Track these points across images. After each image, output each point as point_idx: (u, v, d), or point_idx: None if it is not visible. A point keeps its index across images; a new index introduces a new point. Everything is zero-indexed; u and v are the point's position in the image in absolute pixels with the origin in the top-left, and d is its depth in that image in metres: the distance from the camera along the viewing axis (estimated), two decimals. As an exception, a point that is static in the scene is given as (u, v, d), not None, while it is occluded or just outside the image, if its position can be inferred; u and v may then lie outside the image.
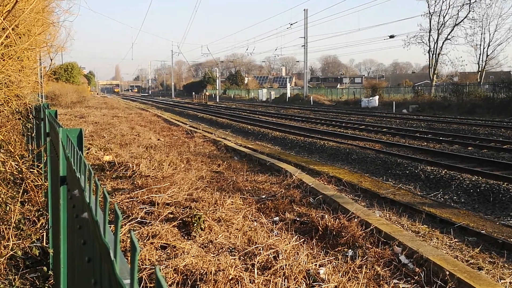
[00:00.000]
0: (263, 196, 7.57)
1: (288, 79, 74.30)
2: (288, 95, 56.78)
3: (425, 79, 60.80)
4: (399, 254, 5.11)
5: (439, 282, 4.44)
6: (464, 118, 26.37)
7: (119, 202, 6.16)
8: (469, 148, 14.23)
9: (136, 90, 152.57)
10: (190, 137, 16.58)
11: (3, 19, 2.67)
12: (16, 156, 3.78)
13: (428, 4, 43.81)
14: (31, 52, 5.55)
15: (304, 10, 53.76)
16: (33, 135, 5.14)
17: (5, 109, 5.45)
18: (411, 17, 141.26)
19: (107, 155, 10.11)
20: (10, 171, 3.60)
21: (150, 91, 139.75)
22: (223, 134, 18.96)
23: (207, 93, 68.98)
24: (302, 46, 55.24)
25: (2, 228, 3.18)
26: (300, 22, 55.02)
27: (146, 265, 4.03)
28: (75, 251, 1.27)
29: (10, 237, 3.10)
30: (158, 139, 15.08)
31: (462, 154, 12.58)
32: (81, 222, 1.11)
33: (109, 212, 0.90)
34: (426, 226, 6.69)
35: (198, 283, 3.70)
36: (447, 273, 4.54)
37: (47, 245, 3.83)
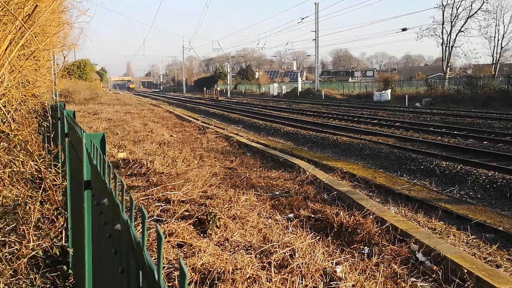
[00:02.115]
0: (277, 193, 7.57)
1: (299, 73, 74.12)
2: (299, 89, 56.61)
3: (438, 72, 60.14)
4: (416, 252, 5.07)
5: (457, 280, 4.41)
6: (479, 111, 26.05)
7: (135, 200, 6.20)
8: (485, 142, 14.06)
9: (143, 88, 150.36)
10: (202, 133, 16.63)
11: (24, 22, 2.69)
12: (35, 156, 3.83)
13: (441, -4, 43.30)
14: (46, 52, 5.59)
15: (315, 4, 53.47)
16: (51, 135, 5.19)
17: (22, 109, 5.50)
18: (424, 9, 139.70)
19: (121, 152, 10.19)
20: (30, 171, 3.64)
21: (161, 87, 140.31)
22: (235, 130, 18.97)
23: (218, 88, 69.02)
24: (313, 40, 54.97)
25: (23, 228, 3.22)
26: (311, 16, 54.75)
27: (164, 264, 4.05)
28: (103, 259, 1.28)
29: (31, 237, 3.14)
30: (171, 135, 15.14)
31: (478, 149, 12.44)
32: (110, 231, 1.12)
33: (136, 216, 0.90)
34: (442, 222, 6.63)
35: (216, 282, 3.72)
36: (465, 271, 4.50)
37: (66, 244, 3.87)
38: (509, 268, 5.06)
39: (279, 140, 16.35)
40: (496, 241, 5.89)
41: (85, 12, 4.07)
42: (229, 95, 64.61)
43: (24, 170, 3.54)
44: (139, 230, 4.90)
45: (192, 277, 3.78)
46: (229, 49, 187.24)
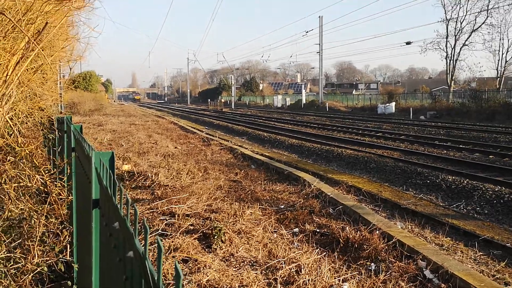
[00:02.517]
0: (282, 206, 7.52)
1: (303, 85, 74.24)
2: (304, 101, 56.69)
3: (442, 85, 60.13)
4: (424, 269, 5.01)
5: (466, 298, 4.33)
6: (484, 124, 25.96)
7: (140, 214, 6.17)
8: (491, 156, 13.98)
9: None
10: (206, 144, 16.62)
11: (34, 39, 2.70)
12: (41, 170, 3.81)
13: (445, 10, 43.57)
14: (53, 65, 5.61)
15: (319, 17, 53.78)
16: (56, 148, 5.19)
17: (29, 121, 5.51)
18: (428, 23, 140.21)
19: (126, 164, 10.18)
20: (36, 186, 3.63)
21: (166, 98, 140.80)
22: (240, 142, 18.96)
23: (222, 100, 69.25)
24: (317, 52, 55.16)
25: (28, 243, 3.20)
26: (315, 29, 54.91)
27: (169, 280, 4.01)
28: (112, 280, 1.25)
29: (36, 252, 3.11)
30: (175, 147, 15.14)
31: (484, 163, 12.36)
32: (121, 256, 1.09)
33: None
34: (449, 238, 6.56)
35: (222, 299, 3.67)
36: (474, 289, 4.43)
37: (71, 258, 3.84)
38: (518, 286, 4.98)
39: (284, 152, 16.32)
40: (504, 258, 5.81)
41: (93, 28, 4.09)
42: (233, 107, 64.76)
43: (30, 184, 3.53)
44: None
45: (197, 294, 3.73)
46: (234, 61, 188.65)
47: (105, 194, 1.44)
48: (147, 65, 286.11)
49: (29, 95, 4.90)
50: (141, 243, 1.00)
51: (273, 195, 8.28)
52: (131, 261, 0.97)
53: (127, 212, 1.00)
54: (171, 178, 8.78)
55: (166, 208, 6.34)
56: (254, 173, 10.71)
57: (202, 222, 5.81)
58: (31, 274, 3.07)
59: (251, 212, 6.59)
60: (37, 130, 5.56)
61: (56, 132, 5.42)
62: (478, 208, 8.43)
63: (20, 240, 3.26)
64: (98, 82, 54.59)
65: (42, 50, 4.68)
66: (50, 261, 3.25)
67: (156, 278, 0.77)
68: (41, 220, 3.61)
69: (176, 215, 6.00)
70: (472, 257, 5.89)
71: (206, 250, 5.01)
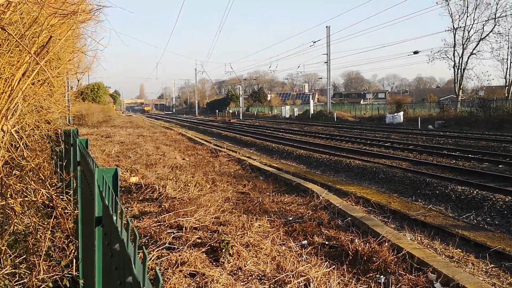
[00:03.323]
0: (290, 218, 7.46)
1: (311, 96, 74.33)
2: (311, 111, 56.68)
3: (450, 94, 59.89)
4: (434, 282, 4.92)
5: (478, 313, 4.24)
6: (493, 134, 25.74)
7: (147, 227, 6.14)
8: (500, 166, 13.82)
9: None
10: (214, 156, 16.61)
11: (37, 55, 2.71)
12: (47, 184, 3.81)
13: (452, 20, 43.51)
14: (60, 78, 5.64)
15: (327, 27, 53.92)
16: (63, 162, 5.19)
17: (35, 134, 5.53)
18: (435, 33, 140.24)
19: (134, 176, 10.18)
20: (41, 200, 3.62)
21: (174, 109, 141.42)
22: (248, 153, 18.94)
23: (230, 111, 69.41)
24: (325, 62, 55.23)
25: (33, 258, 3.17)
26: (323, 39, 54.99)
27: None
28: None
29: (42, 267, 3.09)
30: (183, 159, 15.14)
31: (493, 173, 12.21)
32: (122, 278, 1.06)
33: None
34: (460, 250, 6.45)
35: (228, 315, 3.62)
36: (487, 303, 4.34)
37: (77, 274, 3.81)
38: (532, 299, 4.87)
39: (292, 163, 16.25)
40: (516, 271, 5.69)
41: (99, 42, 4.12)
42: (241, 118, 64.89)
43: (36, 198, 3.52)
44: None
45: (204, 309, 3.68)
46: (241, 71, 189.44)
47: (106, 213, 1.42)
48: (155, 76, 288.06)
49: (36, 108, 4.92)
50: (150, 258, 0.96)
51: (281, 207, 8.22)
52: (130, 286, 0.94)
53: (127, 234, 0.97)
54: (179, 190, 8.76)
55: (173, 221, 6.31)
56: (262, 185, 10.66)
57: (210, 235, 5.77)
58: (36, 290, 3.05)
59: (259, 225, 6.54)
60: (44, 143, 5.57)
61: (63, 145, 5.43)
62: (488, 219, 8.31)
63: (25, 255, 3.25)
64: (106, 94, 55.01)
65: (49, 63, 4.70)
66: (55, 276, 3.23)
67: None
68: (46, 234, 3.59)
69: (184, 228, 5.96)
70: (484, 269, 5.78)
71: (214, 263, 4.96)
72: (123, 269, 1.02)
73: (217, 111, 75.76)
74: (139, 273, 0.83)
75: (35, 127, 5.34)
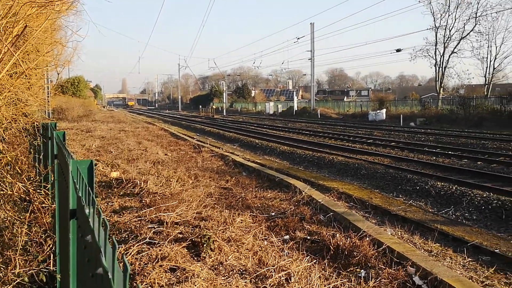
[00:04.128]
0: (273, 214, 7.47)
1: (294, 92, 74.41)
2: (295, 108, 56.80)
3: (432, 92, 60.62)
4: (413, 275, 4.98)
5: (456, 306, 4.30)
6: (472, 131, 26.17)
7: (128, 222, 6.07)
8: (479, 162, 14.06)
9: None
10: (197, 151, 16.53)
11: (12, 45, 2.63)
12: (24, 177, 3.73)
13: (434, 18, 43.96)
14: (38, 70, 5.53)
15: (311, 24, 54.05)
16: (40, 155, 5.10)
17: (13, 127, 5.42)
18: (417, 31, 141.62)
19: (114, 171, 10.06)
20: (18, 194, 3.54)
21: (156, 104, 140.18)
22: (231, 149, 18.90)
23: (213, 106, 69.15)
24: (309, 59, 55.39)
25: (9, 253, 3.11)
26: (307, 36, 55.15)
27: (155, 289, 3.93)
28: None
29: (18, 262, 3.03)
30: (166, 154, 15.03)
31: (472, 169, 12.42)
32: (93, 270, 1.04)
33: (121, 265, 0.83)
34: (438, 244, 6.55)
35: (208, 309, 3.60)
36: (464, 296, 4.41)
37: (54, 268, 3.75)
38: (508, 293, 4.97)
39: (275, 159, 16.28)
40: (492, 264, 5.80)
41: (76, 32, 4.02)
42: (225, 113, 64.70)
43: (12, 192, 3.44)
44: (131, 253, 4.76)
45: (184, 304, 3.66)
46: (225, 67, 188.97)
47: (79, 205, 1.38)
48: (137, 70, 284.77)
49: (13, 101, 4.81)
50: (127, 254, 0.94)
51: (264, 202, 8.22)
52: (101, 278, 0.91)
53: (98, 225, 0.95)
54: (161, 186, 8.69)
55: (154, 216, 6.25)
56: (245, 180, 10.65)
57: (191, 230, 5.74)
58: (12, 285, 2.98)
59: (241, 220, 6.53)
60: (22, 137, 5.46)
61: (40, 139, 5.33)
62: (466, 214, 8.45)
63: (1, 250, 3.18)
64: (86, 88, 54.27)
65: (27, 55, 4.60)
66: (31, 271, 3.17)
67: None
68: (23, 229, 3.52)
69: (165, 223, 5.92)
70: (461, 263, 5.88)
71: (195, 258, 4.94)
72: (95, 260, 1.00)
73: (200, 106, 75.41)
74: (108, 262, 0.81)
75: (12, 120, 5.23)
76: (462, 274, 5.36)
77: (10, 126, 4.86)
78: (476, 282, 5.07)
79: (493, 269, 5.63)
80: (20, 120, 5.05)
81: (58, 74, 8.91)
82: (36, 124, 5.55)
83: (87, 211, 1.15)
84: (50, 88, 9.36)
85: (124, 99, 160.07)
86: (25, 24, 2.64)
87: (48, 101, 8.62)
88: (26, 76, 4.61)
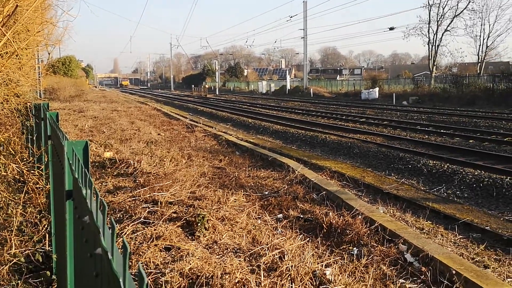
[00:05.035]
0: (266, 193, 7.52)
1: (287, 71, 74.10)
2: (288, 87, 56.62)
3: (425, 70, 60.61)
4: (405, 253, 5.06)
5: (445, 282, 4.40)
6: (464, 110, 26.30)
7: (122, 202, 6.10)
8: (471, 141, 14.17)
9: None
10: (190, 131, 16.51)
11: (2, 26, 2.59)
12: (17, 158, 3.72)
13: (428, -5, 43.58)
14: (29, 50, 5.45)
15: (304, 2, 53.45)
16: (33, 136, 5.07)
17: (5, 108, 5.37)
18: (411, 9, 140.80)
19: (108, 151, 10.04)
20: (11, 175, 3.53)
21: (149, 84, 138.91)
22: (224, 128, 18.89)
23: (206, 86, 68.70)
24: (302, 38, 54.97)
25: (5, 233, 3.12)
26: (299, 14, 54.63)
27: (151, 268, 3.97)
28: (85, 277, 1.21)
29: (13, 243, 3.04)
30: (159, 134, 15.00)
31: (464, 148, 12.53)
32: (91, 250, 1.05)
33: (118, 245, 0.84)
34: (430, 222, 6.65)
35: (204, 287, 3.65)
36: (454, 272, 4.50)
37: (50, 248, 3.77)
38: (496, 268, 5.08)
39: (268, 138, 16.30)
40: (483, 241, 5.91)
41: (67, 12, 3.96)
42: (217, 93, 64.38)
43: (6, 173, 3.44)
44: (126, 233, 4.80)
45: (179, 282, 3.71)
46: (218, 46, 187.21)
47: (76, 186, 1.39)
48: (128, 50, 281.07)
49: (4, 81, 4.76)
50: (122, 234, 0.95)
51: (257, 182, 8.27)
52: (100, 258, 0.93)
53: (96, 206, 0.96)
54: (154, 165, 8.70)
55: (148, 195, 6.28)
56: (238, 160, 10.68)
57: (186, 209, 5.77)
58: (8, 265, 3.01)
59: (235, 199, 6.57)
60: (14, 117, 5.42)
61: (33, 119, 5.29)
62: (458, 192, 8.56)
63: (-4, 231, 3.19)
64: (78, 68, 53.65)
65: (17, 35, 4.53)
66: (27, 251, 3.19)
67: (121, 281, 0.73)
68: (18, 209, 3.53)
69: (159, 203, 5.95)
70: (452, 240, 5.98)
71: (189, 237, 4.98)
72: (93, 241, 1.02)
73: (193, 86, 74.87)
74: (107, 243, 0.82)
75: (4, 101, 5.19)
76: (453, 251, 5.46)
77: (2, 107, 4.82)
78: (466, 259, 5.17)
79: (483, 246, 5.73)
80: (12, 101, 5.00)
81: (49, 54, 8.81)
82: (28, 105, 5.51)
83: (84, 192, 1.16)
84: (41, 68, 9.25)
85: (116, 79, 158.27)
86: (16, 4, 2.59)
87: (40, 81, 8.52)
88: (17, 56, 4.55)
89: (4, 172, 3.43)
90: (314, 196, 7.43)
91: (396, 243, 5.30)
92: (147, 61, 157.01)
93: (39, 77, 8.43)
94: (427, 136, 15.44)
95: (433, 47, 44.42)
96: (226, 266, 3.97)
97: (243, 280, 3.77)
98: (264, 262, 4.27)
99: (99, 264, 0.96)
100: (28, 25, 4.76)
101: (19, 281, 3.28)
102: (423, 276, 4.56)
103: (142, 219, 5.27)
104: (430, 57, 45.16)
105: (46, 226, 3.95)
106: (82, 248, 1.30)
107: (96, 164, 8.96)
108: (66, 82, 34.53)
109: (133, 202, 6.05)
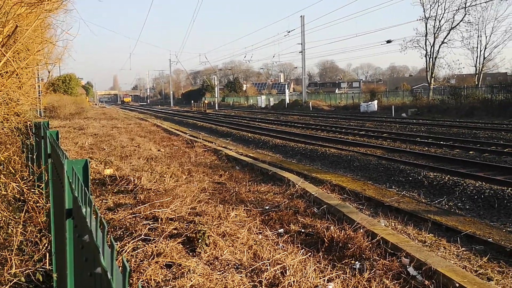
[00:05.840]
0: (267, 207, 7.50)
1: (286, 85, 74.43)
2: (287, 101, 56.81)
3: (423, 82, 60.87)
4: (407, 266, 5.03)
5: (449, 294, 4.36)
6: (463, 121, 26.35)
7: (122, 219, 6.08)
8: (471, 152, 14.17)
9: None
10: (190, 146, 16.52)
11: (2, 46, 2.61)
12: (18, 177, 3.72)
13: (424, 9, 44.16)
14: (29, 69, 5.49)
15: (301, 17, 53.95)
16: (33, 154, 5.08)
17: (5, 127, 5.39)
18: (407, 22, 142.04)
19: (108, 168, 10.03)
20: (12, 193, 3.53)
21: (148, 100, 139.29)
22: (224, 143, 18.90)
23: (206, 101, 68.86)
24: (300, 52, 55.34)
25: (5, 253, 3.11)
26: (297, 29, 55.12)
27: (152, 286, 3.94)
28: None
29: (14, 263, 3.03)
30: (159, 150, 15.01)
31: (464, 159, 12.52)
32: (92, 269, 1.05)
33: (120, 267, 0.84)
34: (432, 235, 6.62)
35: (205, 304, 3.63)
36: (457, 285, 4.47)
37: (50, 267, 3.75)
38: (500, 281, 5.04)
39: (268, 152, 16.30)
40: (486, 253, 5.88)
41: (67, 31, 4.00)
42: (217, 108, 64.56)
43: (6, 192, 3.43)
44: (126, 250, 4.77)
45: (181, 299, 3.68)
46: (216, 62, 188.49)
47: (76, 205, 1.39)
48: (128, 67, 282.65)
49: (4, 100, 4.78)
50: (122, 251, 0.95)
51: (258, 196, 8.25)
52: (100, 277, 0.93)
53: (96, 224, 0.96)
54: (154, 182, 8.69)
55: (149, 212, 6.26)
56: (238, 174, 10.67)
57: (186, 225, 5.75)
58: (9, 285, 2.99)
59: (235, 214, 6.55)
60: (14, 136, 5.43)
61: (33, 138, 5.30)
62: (459, 204, 8.53)
63: (-4, 250, 3.18)
64: (78, 85, 53.86)
65: (17, 54, 4.57)
66: (28, 271, 3.17)
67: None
68: (18, 228, 3.52)
69: (160, 219, 5.93)
70: (455, 253, 5.95)
71: (190, 254, 4.96)
72: (93, 260, 1.01)
73: (192, 101, 75.10)
74: (107, 262, 0.82)
75: (4, 120, 5.20)
76: (456, 263, 5.42)
77: (2, 126, 4.83)
78: (470, 272, 5.13)
79: (486, 258, 5.69)
80: (12, 120, 5.02)
81: (49, 72, 8.88)
82: (29, 123, 5.52)
83: (83, 211, 1.16)
84: (41, 86, 9.30)
85: (116, 96, 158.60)
86: (15, 24, 2.62)
87: (40, 99, 8.56)
88: (17, 75, 4.58)
89: (4, 191, 3.43)
90: (315, 210, 7.41)
91: (398, 256, 5.27)
92: (147, 78, 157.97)
93: (39, 95, 8.47)
94: (427, 148, 15.45)
95: (431, 59, 44.73)
96: (227, 282, 3.95)
97: (245, 296, 3.74)
98: (265, 278, 4.24)
99: (99, 283, 0.95)
100: (28, 45, 4.80)
101: (19, 301, 3.26)
102: (426, 290, 4.52)
103: (142, 236, 5.24)
104: (428, 69, 45.41)
105: (46, 245, 3.94)
106: (82, 267, 1.29)
107: (97, 181, 8.95)
108: (66, 100, 34.63)
109: (134, 219, 6.03)
